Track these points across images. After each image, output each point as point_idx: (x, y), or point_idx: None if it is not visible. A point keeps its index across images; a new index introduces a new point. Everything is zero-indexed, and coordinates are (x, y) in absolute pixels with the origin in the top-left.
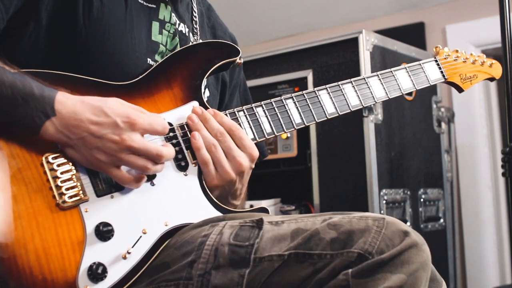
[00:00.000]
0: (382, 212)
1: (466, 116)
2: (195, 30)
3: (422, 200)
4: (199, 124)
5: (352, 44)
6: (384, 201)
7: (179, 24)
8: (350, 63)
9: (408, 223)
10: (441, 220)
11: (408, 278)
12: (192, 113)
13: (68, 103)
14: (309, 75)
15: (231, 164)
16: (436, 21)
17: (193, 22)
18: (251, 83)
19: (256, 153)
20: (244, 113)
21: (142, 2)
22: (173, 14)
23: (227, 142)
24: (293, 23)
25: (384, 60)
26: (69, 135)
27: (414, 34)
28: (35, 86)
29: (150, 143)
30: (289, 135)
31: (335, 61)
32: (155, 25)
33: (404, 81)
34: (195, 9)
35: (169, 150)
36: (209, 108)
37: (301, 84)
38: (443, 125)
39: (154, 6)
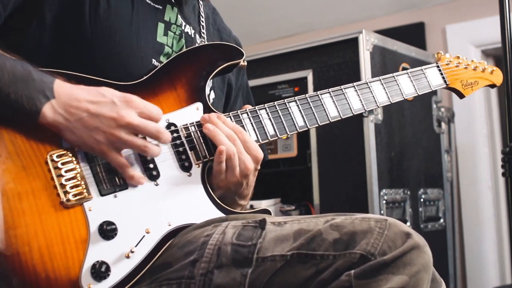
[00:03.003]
0: (382, 212)
1: (466, 116)
2: (202, 33)
3: (422, 200)
4: (215, 131)
5: (352, 44)
6: (384, 201)
7: (185, 26)
8: (350, 63)
9: (408, 223)
10: (441, 220)
11: (410, 279)
12: (205, 121)
13: (66, 86)
14: (309, 75)
15: (238, 168)
16: (436, 21)
17: (200, 24)
18: (251, 83)
19: (260, 155)
20: (248, 115)
21: (149, 2)
22: (179, 16)
23: (237, 146)
24: (293, 23)
25: (384, 60)
26: (68, 116)
27: (414, 34)
28: (34, 71)
29: (149, 121)
30: (289, 135)
31: (335, 61)
32: (161, 26)
33: (406, 86)
34: (202, 12)
35: (167, 132)
36: (213, 112)
37: (301, 84)
38: (443, 125)
39: (161, 7)
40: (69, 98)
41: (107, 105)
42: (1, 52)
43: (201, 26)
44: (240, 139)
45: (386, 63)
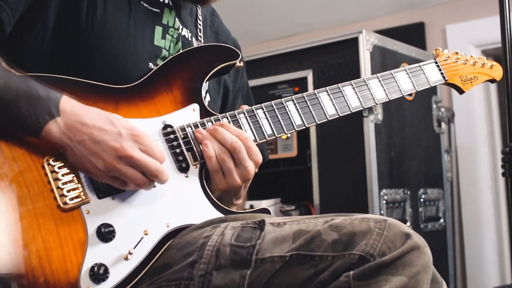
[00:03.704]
0: (382, 212)
1: (466, 116)
2: (199, 36)
3: (422, 200)
4: (207, 136)
5: (352, 44)
6: (384, 201)
7: (182, 29)
8: (350, 63)
9: (408, 223)
10: (441, 220)
11: (409, 280)
12: (199, 128)
13: (74, 105)
14: (309, 75)
15: (239, 173)
16: (436, 21)
17: (197, 27)
18: (251, 83)
19: (260, 159)
20: (245, 115)
21: (146, 6)
22: (177, 19)
23: (242, 153)
24: (293, 23)
25: (384, 60)
26: (71, 136)
27: (414, 34)
28: (41, 88)
29: (150, 158)
30: (289, 135)
31: (335, 61)
32: (158, 30)
33: (404, 82)
34: (200, 15)
35: (166, 172)
36: (213, 115)
37: (301, 84)
38: (443, 125)
39: (158, 10)
40: (76, 119)
41: (112, 134)
42: (7, 68)
43: (198, 29)
44: (245, 145)
45: (386, 63)
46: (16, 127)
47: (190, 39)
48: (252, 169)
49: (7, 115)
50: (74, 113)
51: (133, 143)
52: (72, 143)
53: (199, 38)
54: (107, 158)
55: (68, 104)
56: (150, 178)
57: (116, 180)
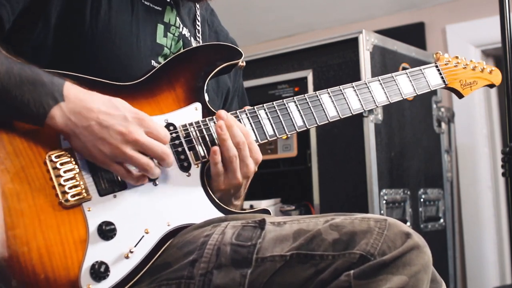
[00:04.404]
0: (382, 212)
1: (466, 116)
2: (197, 35)
3: (422, 200)
4: (226, 134)
5: (352, 44)
6: (384, 201)
7: (182, 28)
8: (350, 63)
9: (408, 223)
10: (441, 220)
11: (409, 279)
12: (219, 120)
13: (78, 90)
14: (309, 75)
15: (241, 171)
16: (436, 21)
17: (196, 27)
18: (251, 83)
19: (260, 157)
20: (247, 115)
21: (148, 4)
22: (177, 18)
23: (245, 151)
24: (293, 23)
25: (384, 60)
26: (76, 122)
27: (414, 34)
28: (44, 74)
29: (156, 142)
30: (289, 135)
31: (335, 61)
32: (160, 28)
33: (405, 86)
34: (198, 15)
35: (171, 154)
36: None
37: (301, 84)
38: (443, 125)
39: (160, 8)
40: (81, 104)
41: (118, 119)
42: (8, 56)
43: (196, 29)
44: (247, 143)
45: (386, 63)
46: (19, 115)
47: (189, 38)
48: (252, 166)
49: (10, 102)
50: (79, 97)
51: (139, 127)
52: (78, 129)
53: (198, 38)
54: (113, 143)
55: (72, 89)
56: (156, 161)
57: (120, 167)
